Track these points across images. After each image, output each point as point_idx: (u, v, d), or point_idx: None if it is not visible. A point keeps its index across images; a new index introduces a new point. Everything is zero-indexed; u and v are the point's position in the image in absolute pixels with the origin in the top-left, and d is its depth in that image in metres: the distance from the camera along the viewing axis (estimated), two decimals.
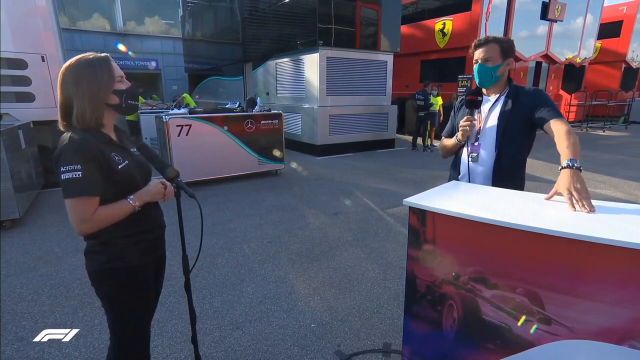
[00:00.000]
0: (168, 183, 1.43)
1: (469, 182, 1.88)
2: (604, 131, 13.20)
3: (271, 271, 3.14)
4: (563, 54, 13.68)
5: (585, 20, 13.76)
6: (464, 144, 1.87)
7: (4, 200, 3.95)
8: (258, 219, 4.39)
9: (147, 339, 1.50)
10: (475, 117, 1.83)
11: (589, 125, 14.17)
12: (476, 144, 1.82)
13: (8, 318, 2.47)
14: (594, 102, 14.54)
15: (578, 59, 14.40)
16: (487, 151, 1.80)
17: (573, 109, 15.00)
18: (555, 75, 14.24)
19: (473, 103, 1.82)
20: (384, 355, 2.13)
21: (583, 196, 1.27)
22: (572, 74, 14.83)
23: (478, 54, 1.78)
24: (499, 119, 1.75)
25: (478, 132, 1.82)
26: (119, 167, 1.26)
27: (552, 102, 1.69)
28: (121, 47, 15.67)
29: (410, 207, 1.46)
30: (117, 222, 1.27)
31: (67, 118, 1.26)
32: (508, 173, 1.78)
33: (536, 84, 13.67)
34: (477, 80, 1.82)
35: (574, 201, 1.27)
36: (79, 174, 1.15)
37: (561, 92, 14.70)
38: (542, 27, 12.43)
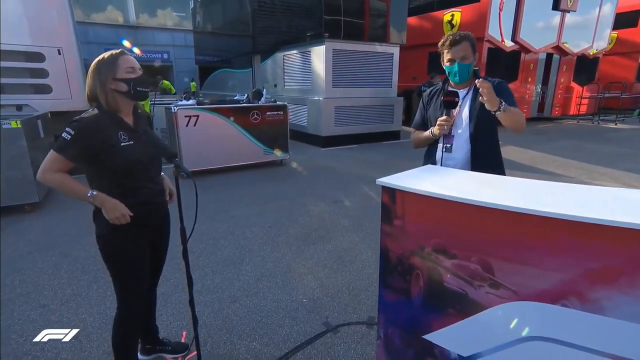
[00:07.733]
0: (123, 213, 1.47)
1: None
2: (615, 124, 12.95)
3: (270, 252, 3.34)
4: (577, 45, 13.40)
5: (600, 10, 13.42)
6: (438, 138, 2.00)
7: (25, 185, 4.24)
8: (261, 206, 4.59)
9: (142, 302, 1.73)
10: (453, 114, 1.96)
11: (601, 118, 13.87)
12: (450, 135, 1.95)
13: (31, 288, 2.74)
14: (606, 95, 14.19)
15: (594, 50, 14.07)
16: (460, 143, 1.93)
17: (585, 101, 14.69)
18: (567, 68, 13.97)
19: (451, 104, 1.88)
20: (367, 327, 2.31)
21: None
22: (585, 66, 14.51)
23: (455, 52, 1.85)
24: (469, 111, 1.89)
25: (452, 126, 1.96)
26: (122, 144, 1.47)
27: (512, 93, 1.85)
28: (126, 43, 15.93)
29: (382, 186, 1.63)
30: (109, 193, 1.46)
31: (90, 100, 1.52)
32: (485, 160, 1.91)
33: (546, 76, 13.47)
34: (457, 79, 1.89)
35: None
36: (68, 137, 1.38)
37: (572, 84, 14.43)
38: (555, 18, 12.21)
